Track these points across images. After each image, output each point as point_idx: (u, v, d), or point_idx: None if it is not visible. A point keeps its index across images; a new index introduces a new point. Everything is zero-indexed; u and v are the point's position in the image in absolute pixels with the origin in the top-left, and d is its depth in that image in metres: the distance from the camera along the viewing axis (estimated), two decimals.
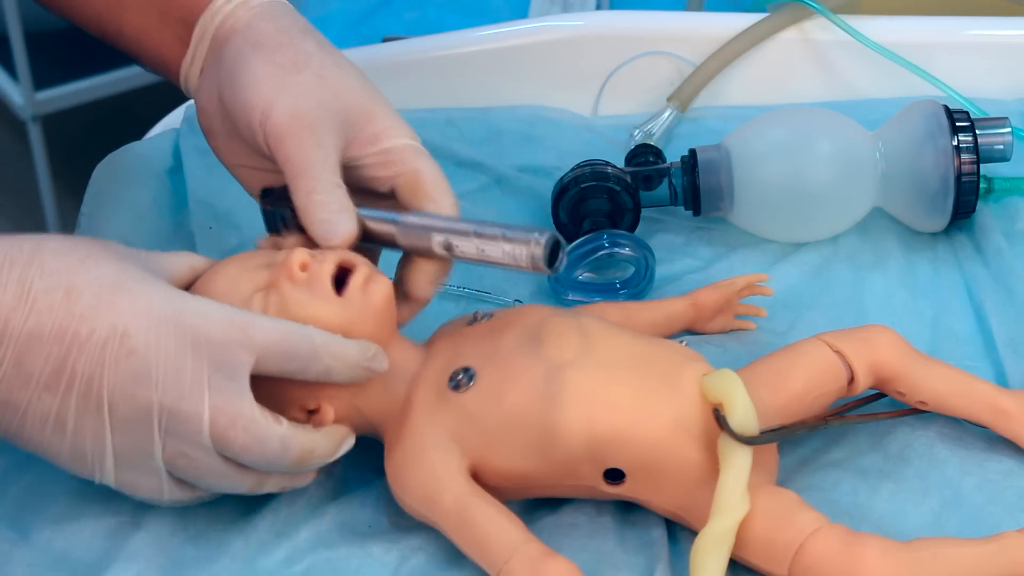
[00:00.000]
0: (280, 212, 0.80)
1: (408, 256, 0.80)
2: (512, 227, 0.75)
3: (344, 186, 0.79)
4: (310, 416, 0.78)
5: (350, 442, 0.78)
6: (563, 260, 0.75)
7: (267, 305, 0.76)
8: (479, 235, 0.76)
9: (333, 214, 0.78)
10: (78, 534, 0.78)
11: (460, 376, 0.77)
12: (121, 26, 0.88)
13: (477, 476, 0.76)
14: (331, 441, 0.76)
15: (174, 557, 0.77)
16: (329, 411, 0.77)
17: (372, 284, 0.77)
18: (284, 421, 0.74)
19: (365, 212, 0.79)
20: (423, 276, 0.79)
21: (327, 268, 0.76)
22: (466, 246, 0.76)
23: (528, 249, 0.74)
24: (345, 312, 0.76)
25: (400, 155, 0.81)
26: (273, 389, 0.75)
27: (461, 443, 0.76)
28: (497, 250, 0.75)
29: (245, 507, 0.79)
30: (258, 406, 0.73)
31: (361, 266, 0.77)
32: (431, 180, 0.80)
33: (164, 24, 0.86)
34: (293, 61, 0.80)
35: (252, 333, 0.72)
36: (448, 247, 0.77)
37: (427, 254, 0.78)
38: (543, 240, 0.74)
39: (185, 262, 0.79)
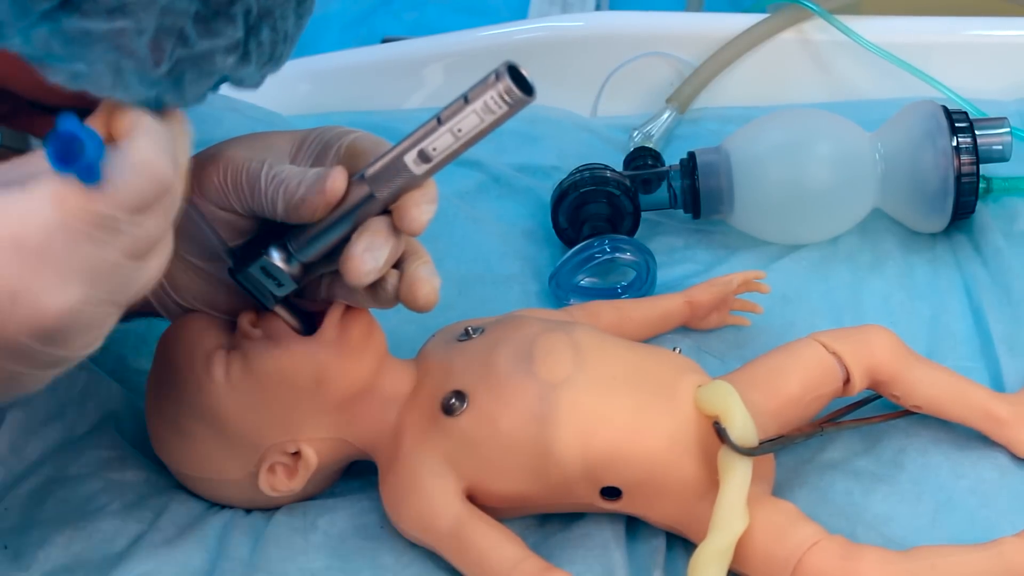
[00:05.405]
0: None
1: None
2: (467, 90, 0.68)
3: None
4: (294, 459, 0.77)
5: None
6: (532, 79, 0.66)
7: (229, 362, 0.75)
8: (443, 119, 0.68)
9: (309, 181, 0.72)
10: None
11: (452, 400, 0.76)
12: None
13: (473, 497, 0.76)
14: None
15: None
16: (310, 454, 0.77)
17: (350, 316, 0.75)
18: None
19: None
20: (411, 204, 0.71)
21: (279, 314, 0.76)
22: (441, 140, 0.68)
23: (496, 90, 0.66)
24: (320, 351, 0.75)
25: (333, 136, 0.77)
26: (251, 435, 0.76)
27: (455, 467, 0.75)
28: (471, 118, 0.67)
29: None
30: None
31: (336, 303, 0.76)
32: (366, 138, 0.76)
33: None
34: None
35: None
36: (425, 156, 0.69)
37: (410, 185, 0.71)
38: (503, 71, 0.66)
39: None
